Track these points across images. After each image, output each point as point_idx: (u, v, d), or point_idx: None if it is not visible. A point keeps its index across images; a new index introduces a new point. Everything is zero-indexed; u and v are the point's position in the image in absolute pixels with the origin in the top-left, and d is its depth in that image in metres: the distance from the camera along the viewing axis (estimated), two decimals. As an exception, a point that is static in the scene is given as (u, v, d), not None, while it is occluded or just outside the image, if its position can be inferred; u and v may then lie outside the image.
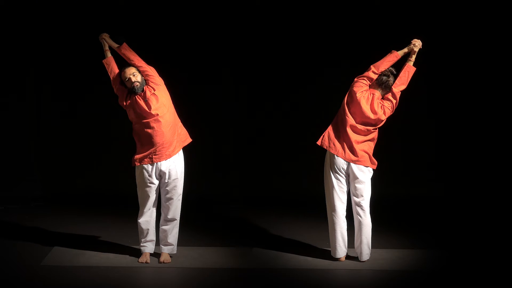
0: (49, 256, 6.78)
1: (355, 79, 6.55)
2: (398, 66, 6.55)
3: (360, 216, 6.58)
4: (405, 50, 6.57)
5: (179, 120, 6.68)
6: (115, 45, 6.63)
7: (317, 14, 8.83)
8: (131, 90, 6.49)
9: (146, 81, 6.52)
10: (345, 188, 6.60)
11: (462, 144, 8.99)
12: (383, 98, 6.54)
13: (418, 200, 8.82)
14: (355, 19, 8.82)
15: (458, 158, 9.01)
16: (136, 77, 6.47)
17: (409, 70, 6.54)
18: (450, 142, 9.01)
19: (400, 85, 6.53)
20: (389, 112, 6.52)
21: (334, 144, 6.53)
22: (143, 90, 6.48)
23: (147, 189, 6.59)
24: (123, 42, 6.57)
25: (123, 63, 6.55)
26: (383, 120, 6.52)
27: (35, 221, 8.02)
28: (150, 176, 6.55)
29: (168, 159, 6.53)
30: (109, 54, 6.65)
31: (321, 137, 6.61)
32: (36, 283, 6.19)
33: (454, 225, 8.00)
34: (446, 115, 8.98)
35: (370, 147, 6.56)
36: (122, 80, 6.52)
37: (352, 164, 6.50)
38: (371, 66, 6.52)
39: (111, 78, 6.60)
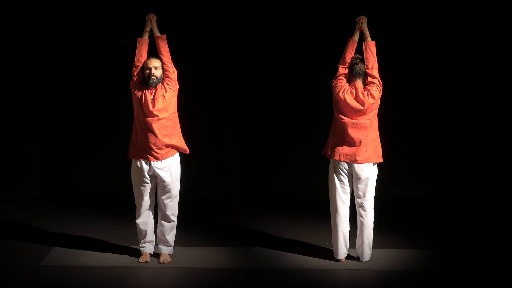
0: (49, 256, 6.77)
1: (332, 84, 6.62)
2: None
3: (362, 217, 6.58)
4: (357, 31, 6.66)
5: (180, 130, 6.62)
6: (156, 31, 6.56)
7: (317, 15, 8.81)
8: (145, 80, 6.47)
9: (162, 79, 6.50)
10: (348, 189, 6.60)
11: (463, 144, 8.98)
12: (366, 85, 6.56)
13: (419, 200, 8.81)
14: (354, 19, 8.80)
15: (459, 158, 9.00)
16: (156, 72, 6.43)
17: (369, 46, 6.58)
18: (450, 142, 9.00)
19: (371, 64, 6.55)
20: (377, 94, 6.53)
21: (336, 150, 6.54)
22: (155, 87, 6.47)
23: (142, 188, 6.57)
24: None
25: (152, 52, 6.53)
26: (373, 103, 6.50)
27: (35, 221, 8.01)
28: (144, 174, 6.53)
29: (162, 160, 6.52)
30: (146, 36, 6.55)
31: (324, 147, 6.67)
32: (36, 283, 6.19)
33: (455, 225, 7.99)
34: (447, 115, 8.96)
35: (372, 142, 6.54)
36: (144, 66, 6.49)
37: (355, 164, 6.50)
38: (338, 64, 6.61)
39: (135, 59, 6.51)
